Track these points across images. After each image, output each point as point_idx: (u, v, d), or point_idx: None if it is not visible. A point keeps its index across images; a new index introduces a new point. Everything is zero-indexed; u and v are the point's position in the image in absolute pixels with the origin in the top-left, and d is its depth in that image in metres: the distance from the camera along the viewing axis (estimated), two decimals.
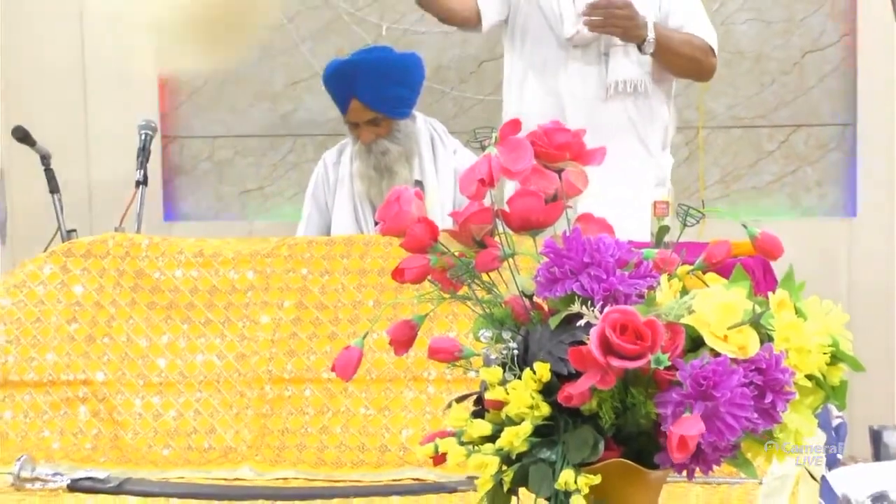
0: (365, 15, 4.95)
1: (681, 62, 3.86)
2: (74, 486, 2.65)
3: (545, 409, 1.40)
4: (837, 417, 3.10)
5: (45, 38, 5.12)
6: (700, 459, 1.39)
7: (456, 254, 1.51)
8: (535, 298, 1.48)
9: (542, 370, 1.40)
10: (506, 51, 4.10)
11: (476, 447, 1.43)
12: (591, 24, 3.71)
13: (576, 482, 1.37)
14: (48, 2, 5.12)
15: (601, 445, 1.40)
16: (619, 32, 3.73)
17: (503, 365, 1.44)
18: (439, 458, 1.46)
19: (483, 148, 1.54)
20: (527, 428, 1.39)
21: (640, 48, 3.74)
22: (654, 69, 3.83)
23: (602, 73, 3.83)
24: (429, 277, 1.52)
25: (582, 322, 1.40)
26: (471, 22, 4.03)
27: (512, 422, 1.41)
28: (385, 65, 4.06)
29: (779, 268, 1.52)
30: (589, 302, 1.41)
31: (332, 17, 5.01)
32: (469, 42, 4.47)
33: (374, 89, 3.98)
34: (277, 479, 2.75)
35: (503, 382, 1.42)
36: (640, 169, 3.80)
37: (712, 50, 3.88)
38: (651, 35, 3.72)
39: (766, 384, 1.38)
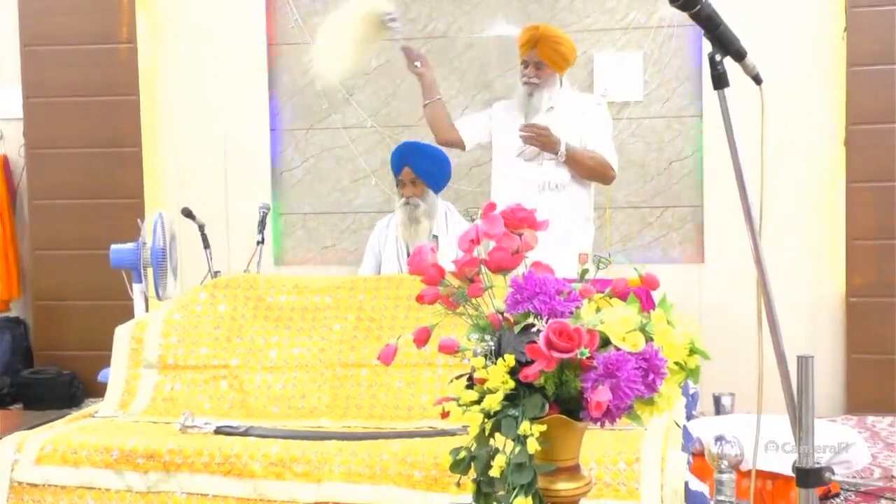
0: (399, 137, 4.97)
1: (585, 171, 3.86)
2: (218, 431, 2.65)
3: (511, 384, 1.39)
4: (693, 388, 3.09)
5: (199, 145, 5.14)
6: (608, 415, 1.38)
7: (456, 286, 1.50)
8: (505, 314, 1.47)
9: (510, 359, 1.39)
10: (493, 159, 4.11)
11: (468, 407, 1.41)
12: (523, 138, 3.75)
13: (531, 430, 1.35)
14: (200, 124, 5.15)
15: (546, 406, 1.39)
16: (539, 145, 3.77)
17: (485, 356, 1.44)
18: (445, 414, 1.45)
19: (472, 220, 1.54)
20: (500, 395, 1.38)
21: (556, 157, 3.77)
22: (571, 173, 3.84)
23: (537, 175, 3.84)
24: (439, 301, 1.51)
25: (534, 329, 1.40)
26: (458, 146, 4.10)
27: (490, 391, 1.39)
28: (428, 150, 4.07)
29: (656, 295, 1.51)
30: (539, 316, 1.40)
31: (378, 139, 5.03)
32: (462, 156, 4.48)
33: (418, 161, 3.98)
34: (344, 426, 2.74)
35: (485, 367, 1.41)
36: (568, 235, 3.78)
37: (611, 166, 3.87)
38: (562, 151, 3.75)
39: (649, 368, 1.37)
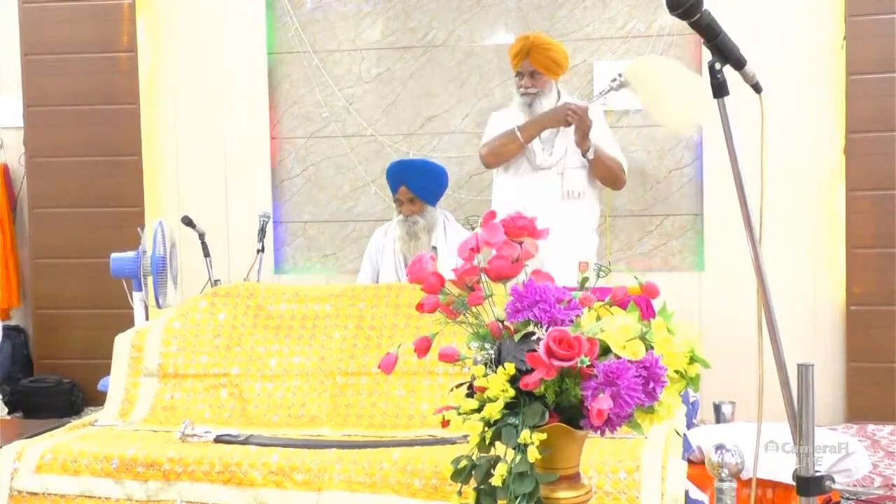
0: (399, 146, 4.97)
1: (605, 171, 3.91)
2: (218, 440, 2.65)
3: (511, 392, 1.39)
4: (693, 397, 3.09)
5: (199, 154, 5.15)
6: (609, 423, 1.38)
7: (456, 294, 1.50)
8: (505, 322, 1.47)
9: (510, 367, 1.39)
10: (496, 171, 4.09)
11: (468, 416, 1.41)
12: (572, 118, 3.72)
13: (531, 438, 1.35)
14: (201, 131, 5.15)
15: (546, 415, 1.39)
16: (581, 132, 3.76)
17: (485, 364, 1.44)
18: (445, 423, 1.45)
19: (472, 228, 1.55)
20: (500, 404, 1.38)
21: (584, 154, 3.78)
22: (588, 182, 3.87)
23: (559, 184, 3.86)
24: (439, 309, 1.51)
25: (534, 337, 1.40)
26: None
27: (490, 400, 1.40)
28: (423, 166, 4.08)
29: (656, 303, 1.51)
30: (539, 324, 1.40)
31: (378, 148, 5.03)
32: (462, 165, 4.49)
33: (416, 180, 3.99)
34: (344, 435, 2.74)
35: (485, 375, 1.41)
36: (573, 243, 3.80)
37: (624, 170, 3.95)
38: (592, 147, 3.81)
39: (650, 376, 1.37)
